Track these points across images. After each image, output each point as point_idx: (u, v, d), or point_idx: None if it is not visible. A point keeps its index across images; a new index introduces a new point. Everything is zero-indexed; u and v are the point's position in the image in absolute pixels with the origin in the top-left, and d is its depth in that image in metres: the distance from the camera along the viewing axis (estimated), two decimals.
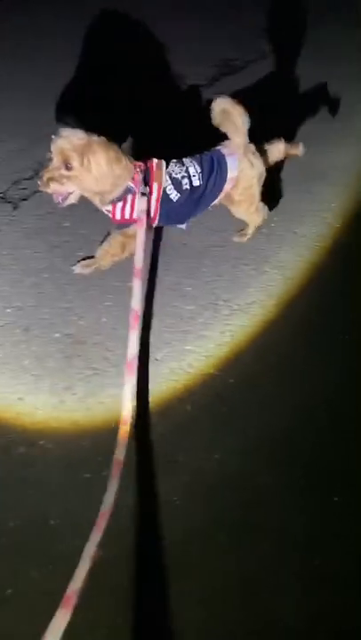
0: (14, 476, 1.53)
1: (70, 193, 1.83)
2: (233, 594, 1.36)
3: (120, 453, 1.47)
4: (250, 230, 2.24)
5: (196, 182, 1.93)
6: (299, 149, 2.16)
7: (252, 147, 2.01)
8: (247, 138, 1.94)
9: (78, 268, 2.08)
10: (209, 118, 1.87)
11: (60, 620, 1.07)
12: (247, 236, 2.25)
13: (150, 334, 1.91)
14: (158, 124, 2.81)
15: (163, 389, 1.78)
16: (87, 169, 1.73)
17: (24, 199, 2.40)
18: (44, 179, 1.77)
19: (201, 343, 1.91)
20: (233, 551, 1.43)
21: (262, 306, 2.03)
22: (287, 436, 1.66)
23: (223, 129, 1.91)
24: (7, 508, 1.47)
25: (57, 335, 1.89)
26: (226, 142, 1.99)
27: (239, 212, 2.13)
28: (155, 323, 1.95)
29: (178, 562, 1.39)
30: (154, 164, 1.91)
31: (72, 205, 2.24)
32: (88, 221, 2.31)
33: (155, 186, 1.89)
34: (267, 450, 1.63)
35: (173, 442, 1.64)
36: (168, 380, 1.80)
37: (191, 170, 1.93)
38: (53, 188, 1.78)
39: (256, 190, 2.06)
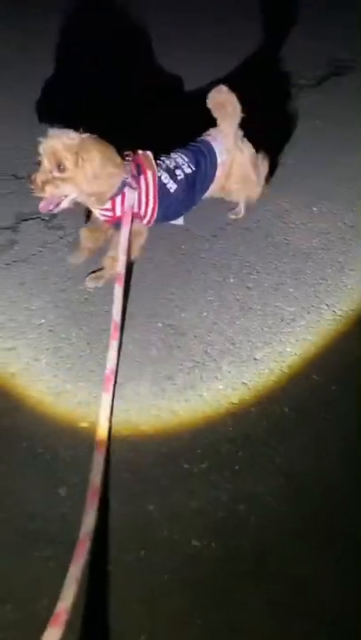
0: (113, 459, 1.57)
1: (63, 197, 1.73)
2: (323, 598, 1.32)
3: (96, 475, 1.44)
4: (241, 206, 2.26)
5: (188, 170, 1.91)
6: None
7: (240, 133, 2.00)
8: (236, 126, 1.95)
9: (90, 283, 2.00)
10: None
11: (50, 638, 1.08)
12: (241, 212, 2.27)
13: (251, 334, 1.90)
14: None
15: (260, 389, 1.76)
16: (82, 169, 1.65)
17: None
18: (39, 183, 1.66)
19: (302, 346, 1.87)
20: (320, 557, 1.39)
21: None
22: None
23: (215, 115, 1.92)
24: (107, 488, 1.51)
25: (159, 325, 1.92)
26: (210, 130, 2.00)
27: (240, 196, 2.16)
28: (256, 322, 1.93)
29: (267, 561, 1.38)
30: (140, 154, 1.87)
31: None
32: (192, 216, 2.33)
33: (149, 174, 1.84)
34: None
35: (271, 442, 1.62)
36: (267, 380, 1.78)
37: (179, 160, 1.91)
38: (50, 191, 1.68)
39: (251, 173, 2.05)
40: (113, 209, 1.82)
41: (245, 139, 2.02)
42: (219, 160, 1.96)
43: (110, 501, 1.47)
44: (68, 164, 1.63)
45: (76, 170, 1.64)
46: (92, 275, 2.01)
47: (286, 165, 2.59)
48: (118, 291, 1.78)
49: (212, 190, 2.04)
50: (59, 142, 1.62)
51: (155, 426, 1.64)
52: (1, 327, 1.86)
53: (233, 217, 2.30)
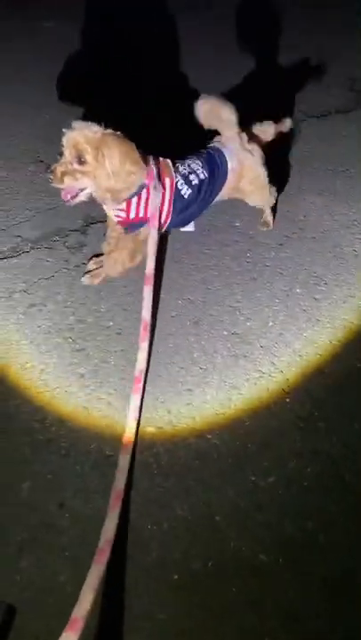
0: (181, 464, 1.57)
1: (81, 190, 1.73)
2: None
3: (120, 479, 1.46)
4: (267, 214, 2.24)
5: (202, 175, 1.88)
6: (285, 125, 2.07)
7: (245, 136, 1.93)
8: (238, 128, 1.88)
9: (86, 280, 2.02)
10: None
11: None
12: (270, 219, 2.25)
13: (319, 347, 1.86)
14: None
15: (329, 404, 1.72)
16: (101, 164, 1.63)
17: None
18: (58, 173, 1.66)
19: None
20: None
21: None
22: None
23: (213, 127, 1.87)
24: (173, 495, 1.51)
25: (225, 333, 1.91)
26: (217, 138, 1.96)
27: (255, 200, 2.13)
28: (324, 335, 1.90)
29: (341, 585, 1.35)
30: (161, 161, 1.85)
31: (244, 205, 2.26)
32: (258, 223, 2.31)
33: (167, 181, 1.83)
34: None
35: (339, 459, 1.58)
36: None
37: (194, 166, 1.89)
38: (67, 183, 1.68)
39: (264, 175, 2.02)
40: (127, 210, 1.80)
41: (253, 140, 1.97)
42: (229, 166, 1.93)
43: (176, 509, 1.47)
44: (88, 157, 1.62)
45: (96, 164, 1.64)
46: (91, 272, 2.04)
47: (352, 176, 2.53)
48: (148, 291, 1.79)
49: (225, 193, 2.02)
50: (81, 135, 1.62)
51: (221, 435, 1.63)
52: (70, 328, 1.90)
53: (264, 229, 2.26)
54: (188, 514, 1.47)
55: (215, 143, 1.96)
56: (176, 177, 1.85)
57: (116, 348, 1.85)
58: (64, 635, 1.13)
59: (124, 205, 1.79)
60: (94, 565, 1.25)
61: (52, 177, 1.67)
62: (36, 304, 1.96)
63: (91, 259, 2.09)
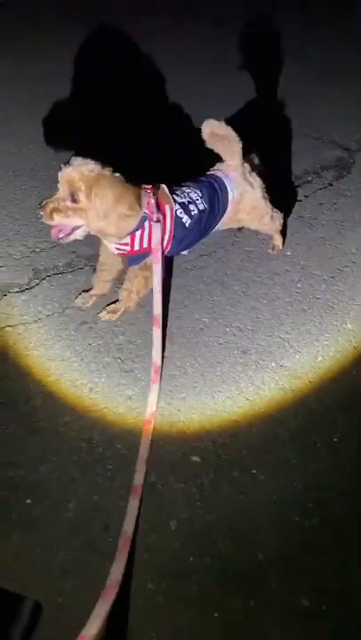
0: (225, 503, 1.56)
1: (76, 228, 1.69)
2: None
3: (139, 478, 1.52)
4: (276, 238, 2.25)
5: (201, 206, 1.86)
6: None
7: (248, 166, 1.94)
8: (241, 158, 1.89)
9: (105, 315, 1.98)
10: None
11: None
12: (279, 243, 2.27)
13: None
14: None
15: None
16: (93, 204, 1.60)
17: None
18: (48, 209, 1.62)
19: None
20: None
21: None
22: None
23: (216, 150, 1.86)
24: (217, 530, 1.50)
25: (273, 364, 1.90)
26: (219, 165, 1.95)
27: (254, 225, 2.13)
28: None
29: None
30: (158, 188, 1.81)
31: (296, 235, 2.26)
32: (309, 253, 2.30)
33: (167, 208, 1.79)
34: None
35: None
36: None
37: (193, 195, 1.86)
38: (58, 220, 1.64)
39: (263, 205, 2.02)
40: (132, 243, 1.77)
41: (254, 172, 1.98)
42: (230, 197, 1.92)
43: (219, 544, 1.47)
44: (81, 195, 1.59)
45: (88, 203, 1.60)
46: (109, 307, 2.00)
47: None
48: (157, 334, 1.76)
49: (223, 223, 2.00)
50: (76, 172, 1.58)
51: (265, 471, 1.62)
52: (120, 348, 1.92)
53: (273, 252, 2.28)
54: (233, 549, 1.46)
55: (217, 172, 1.94)
56: (175, 205, 1.82)
57: (164, 372, 1.86)
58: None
59: (127, 239, 1.76)
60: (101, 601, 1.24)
61: (41, 212, 1.63)
62: (87, 322, 1.99)
63: (80, 294, 2.05)
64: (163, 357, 1.84)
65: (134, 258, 1.84)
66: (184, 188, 1.88)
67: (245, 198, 1.96)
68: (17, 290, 2.06)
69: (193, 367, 1.88)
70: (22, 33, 3.97)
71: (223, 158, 1.90)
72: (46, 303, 2.03)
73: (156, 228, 1.74)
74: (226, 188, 1.91)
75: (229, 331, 2.01)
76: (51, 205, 1.62)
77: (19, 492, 1.52)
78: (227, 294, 2.14)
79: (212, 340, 1.97)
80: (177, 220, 1.82)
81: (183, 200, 1.84)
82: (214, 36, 4.01)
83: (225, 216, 1.97)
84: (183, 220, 1.83)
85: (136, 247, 1.78)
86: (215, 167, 1.97)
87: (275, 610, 1.36)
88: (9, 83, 3.37)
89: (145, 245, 1.78)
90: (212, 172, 1.96)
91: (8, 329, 1.91)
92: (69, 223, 1.66)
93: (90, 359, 1.87)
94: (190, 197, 1.85)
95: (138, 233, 1.75)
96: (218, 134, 1.79)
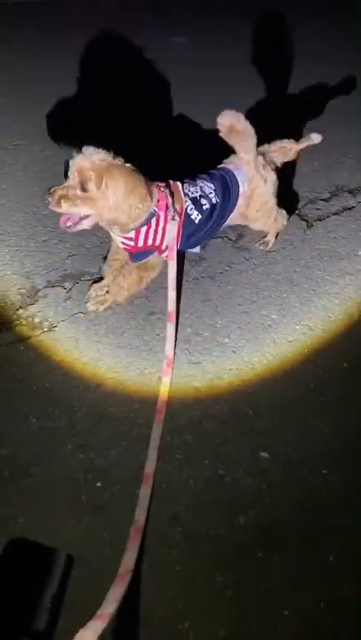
0: (286, 511, 1.53)
1: (84, 217, 1.65)
2: None
3: (150, 466, 1.51)
4: (270, 237, 2.19)
5: (214, 200, 1.82)
6: (313, 139, 2.00)
7: (262, 160, 1.89)
8: (255, 152, 1.85)
9: (92, 306, 1.94)
10: None
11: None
12: (270, 241, 2.21)
13: None
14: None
15: None
16: (103, 194, 1.56)
17: (319, 219, 2.42)
18: (56, 196, 1.57)
19: None
20: None
21: None
22: None
23: (231, 143, 1.80)
24: (286, 532, 1.47)
25: (344, 365, 1.85)
26: (231, 157, 1.90)
27: (258, 225, 2.08)
28: None
29: None
30: (171, 185, 1.77)
31: None
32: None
33: (177, 207, 1.76)
34: None
35: None
36: None
37: (206, 189, 1.82)
38: (65, 208, 1.59)
39: (273, 203, 1.99)
40: (136, 239, 1.74)
41: (268, 166, 1.92)
42: (241, 190, 1.87)
43: (289, 543, 1.43)
44: (91, 185, 1.55)
45: (98, 193, 1.56)
46: (97, 298, 1.96)
47: None
48: (170, 329, 1.76)
49: (232, 219, 1.97)
50: (87, 161, 1.55)
51: (334, 472, 1.57)
52: (187, 340, 1.92)
53: (262, 247, 2.23)
54: (302, 551, 1.42)
55: (229, 165, 1.91)
56: (186, 201, 1.79)
57: (231, 366, 1.84)
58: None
59: (132, 234, 1.73)
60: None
61: (49, 199, 1.60)
62: (155, 312, 1.99)
63: (91, 285, 2.03)
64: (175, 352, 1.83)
65: (137, 255, 1.82)
66: (198, 181, 1.84)
67: (257, 193, 1.92)
68: (88, 278, 2.09)
69: (261, 363, 1.85)
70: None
71: (237, 151, 1.86)
72: None
73: (173, 226, 1.72)
74: (237, 181, 1.87)
75: (298, 329, 1.97)
76: (60, 192, 1.58)
77: (89, 474, 1.54)
78: (296, 292, 2.10)
79: (281, 337, 1.94)
80: (186, 217, 1.79)
81: (195, 195, 1.80)
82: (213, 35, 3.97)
83: (235, 211, 1.93)
84: (193, 217, 1.80)
85: (140, 244, 1.75)
86: (228, 160, 1.94)
87: (347, 612, 1.32)
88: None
89: (150, 243, 1.76)
90: (223, 165, 1.93)
91: (80, 315, 1.95)
92: (77, 212, 1.63)
93: (158, 349, 1.88)
94: (203, 191, 1.82)
95: (143, 229, 1.72)
96: (235, 127, 1.74)
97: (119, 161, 1.62)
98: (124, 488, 1.52)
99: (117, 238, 1.79)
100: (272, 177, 1.94)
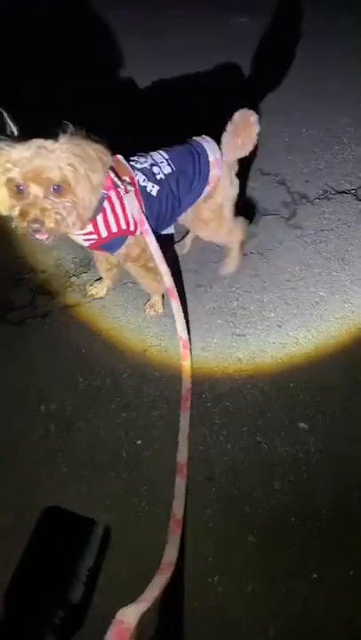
0: (331, 465, 1.53)
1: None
2: None
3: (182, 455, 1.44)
4: (234, 255, 1.94)
5: (167, 169, 1.58)
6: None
7: (236, 166, 1.70)
8: (236, 162, 1.68)
9: (150, 312, 1.91)
10: None
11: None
12: (235, 261, 1.97)
13: None
14: None
15: None
16: (85, 181, 1.29)
17: None
18: (39, 218, 1.26)
19: None
20: None
21: None
22: None
23: (224, 138, 1.60)
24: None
25: None
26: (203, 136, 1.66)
27: (208, 234, 1.82)
28: None
29: None
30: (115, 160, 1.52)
31: None
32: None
33: (126, 179, 1.50)
34: None
35: None
36: None
37: (157, 157, 1.59)
38: (49, 226, 1.29)
39: (227, 211, 1.75)
40: (97, 230, 1.51)
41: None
42: (211, 159, 1.62)
43: (323, 512, 1.43)
44: (67, 181, 1.28)
45: (78, 185, 1.29)
46: (148, 304, 1.91)
47: None
48: (176, 306, 1.64)
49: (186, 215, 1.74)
50: (39, 158, 1.24)
51: None
52: (233, 313, 1.94)
53: (226, 271, 1.99)
54: (335, 519, 1.42)
55: (197, 138, 1.67)
56: (136, 174, 1.54)
57: (275, 339, 1.85)
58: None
59: (90, 227, 1.50)
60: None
61: (33, 228, 1.28)
62: (203, 285, 2.03)
63: (92, 285, 1.99)
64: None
65: (108, 245, 1.58)
66: (149, 153, 1.61)
67: (219, 186, 1.68)
68: None
69: (306, 339, 1.85)
70: None
71: (223, 150, 1.63)
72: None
73: (130, 199, 1.50)
74: (205, 150, 1.63)
75: (348, 307, 1.94)
76: (35, 212, 1.27)
77: (130, 432, 1.61)
78: (347, 270, 2.06)
79: (328, 313, 1.92)
80: (142, 190, 1.55)
81: (144, 165, 1.56)
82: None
83: (206, 188, 1.66)
84: (149, 190, 1.55)
85: (104, 234, 1.52)
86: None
87: None
88: None
89: (114, 229, 1.53)
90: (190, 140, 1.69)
91: (129, 284, 2.01)
92: (64, 222, 1.34)
93: (203, 320, 1.91)
94: (153, 159, 1.58)
95: (99, 218, 1.49)
96: (245, 129, 1.57)
97: (73, 136, 1.30)
98: (163, 448, 1.57)
99: (79, 239, 1.56)
100: (236, 186, 1.74)
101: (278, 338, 1.85)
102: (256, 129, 1.57)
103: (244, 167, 2.43)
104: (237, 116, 1.56)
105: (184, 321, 1.68)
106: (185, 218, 1.77)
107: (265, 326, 1.90)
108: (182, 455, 1.49)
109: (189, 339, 1.77)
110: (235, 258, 1.97)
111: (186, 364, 1.69)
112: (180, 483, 1.42)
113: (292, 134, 2.61)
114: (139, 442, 1.60)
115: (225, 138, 1.61)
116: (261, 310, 1.94)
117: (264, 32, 3.13)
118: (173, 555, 1.21)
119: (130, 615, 0.93)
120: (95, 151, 1.32)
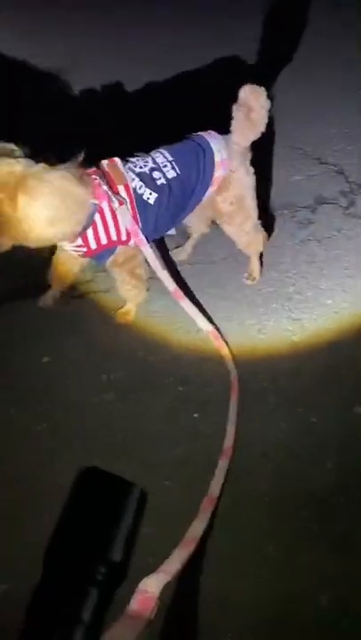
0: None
1: None
2: None
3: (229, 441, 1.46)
4: (254, 264, 1.92)
5: (171, 173, 1.51)
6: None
7: (250, 156, 1.63)
8: (249, 146, 1.61)
9: (121, 319, 1.85)
10: None
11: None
12: (256, 271, 1.94)
13: None
14: None
15: None
16: (25, 215, 1.27)
17: None
18: None
19: None
20: None
21: None
22: None
23: (233, 121, 1.54)
24: None
25: None
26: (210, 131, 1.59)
27: (231, 229, 1.75)
28: None
29: None
30: (105, 165, 1.47)
31: None
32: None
33: (120, 189, 1.45)
34: None
35: None
36: None
37: (159, 159, 1.51)
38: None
39: (250, 203, 1.69)
40: (86, 244, 1.49)
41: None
42: (217, 159, 1.55)
43: None
44: (4, 208, 1.24)
45: (16, 215, 1.26)
46: (121, 311, 1.85)
47: None
48: (188, 305, 1.64)
49: (202, 207, 1.66)
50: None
51: None
52: (290, 298, 1.95)
53: (249, 282, 1.97)
54: None
55: (202, 133, 1.60)
56: (133, 180, 1.49)
57: (331, 325, 1.86)
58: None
59: (80, 240, 1.48)
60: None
61: None
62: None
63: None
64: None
65: (98, 256, 1.57)
66: (152, 153, 1.55)
67: (235, 178, 1.61)
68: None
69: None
70: None
71: (233, 133, 1.57)
72: (220, 247, 2.09)
73: (124, 212, 1.45)
74: (210, 147, 1.54)
75: None
76: None
77: (187, 404, 1.66)
78: None
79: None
80: (138, 198, 1.49)
81: (144, 169, 1.50)
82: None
83: (209, 190, 1.61)
84: (145, 198, 1.49)
85: (93, 246, 1.49)
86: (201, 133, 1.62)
87: None
88: None
89: (104, 242, 1.50)
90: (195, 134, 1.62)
91: (187, 266, 2.05)
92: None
93: (259, 303, 1.94)
94: (155, 162, 1.52)
95: (89, 231, 1.46)
96: (255, 105, 1.52)
97: (37, 165, 1.31)
98: (218, 422, 1.60)
99: (67, 249, 1.56)
100: (253, 176, 1.68)
101: (335, 324, 1.86)
102: (267, 104, 1.53)
103: (301, 155, 2.45)
104: (243, 93, 1.52)
105: (201, 315, 1.69)
106: (209, 210, 1.70)
107: (321, 312, 1.91)
108: (228, 442, 1.52)
109: (217, 329, 1.77)
110: (257, 264, 1.94)
111: (225, 353, 1.72)
112: (223, 464, 1.45)
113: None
114: (195, 415, 1.64)
115: (234, 123, 1.56)
116: (318, 297, 1.96)
117: (268, 29, 3.04)
118: (199, 530, 1.23)
119: (152, 585, 0.94)
120: (56, 187, 1.31)
